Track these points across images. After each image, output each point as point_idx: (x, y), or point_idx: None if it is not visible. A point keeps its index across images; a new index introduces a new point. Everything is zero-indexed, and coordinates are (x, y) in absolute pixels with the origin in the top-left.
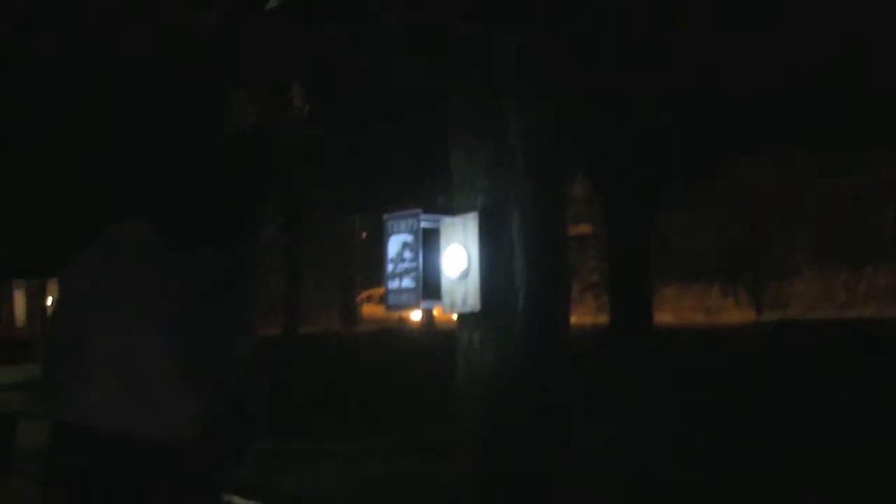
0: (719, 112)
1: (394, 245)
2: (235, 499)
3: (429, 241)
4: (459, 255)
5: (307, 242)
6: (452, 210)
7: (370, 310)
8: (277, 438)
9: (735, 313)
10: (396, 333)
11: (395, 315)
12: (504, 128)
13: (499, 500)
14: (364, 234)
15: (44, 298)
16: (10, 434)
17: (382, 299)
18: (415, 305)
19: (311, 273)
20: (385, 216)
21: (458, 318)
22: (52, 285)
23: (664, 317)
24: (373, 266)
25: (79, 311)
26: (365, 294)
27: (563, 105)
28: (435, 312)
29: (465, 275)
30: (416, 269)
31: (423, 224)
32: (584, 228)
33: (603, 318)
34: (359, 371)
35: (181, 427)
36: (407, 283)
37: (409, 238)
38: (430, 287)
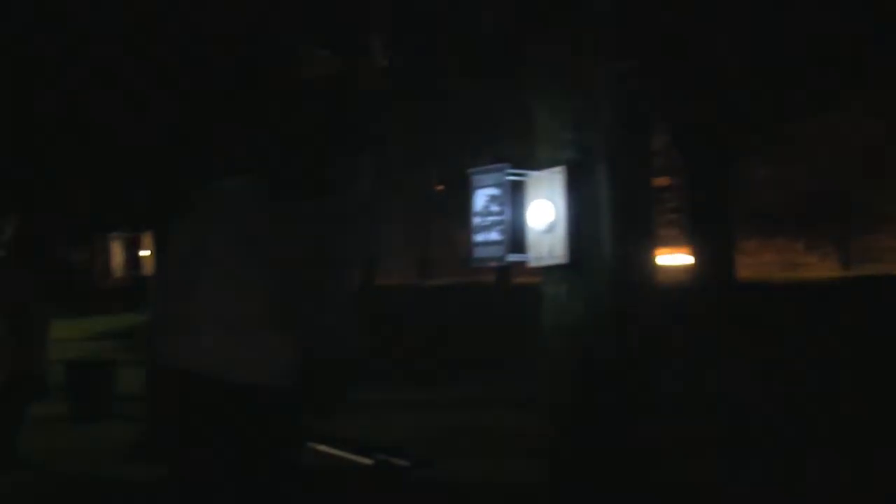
0: (803, 56)
1: (480, 199)
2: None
3: (514, 195)
4: (545, 208)
5: (383, 194)
6: (537, 163)
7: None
8: (357, 388)
9: (820, 268)
10: (473, 287)
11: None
12: (589, 82)
13: (584, 450)
14: (440, 187)
15: (138, 250)
16: (109, 380)
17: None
18: (501, 258)
19: (386, 225)
20: (471, 170)
21: (545, 270)
22: (147, 238)
23: (745, 272)
24: (449, 219)
25: (187, 266)
26: None
27: (647, 57)
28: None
29: (551, 228)
30: (502, 222)
31: (509, 178)
32: (662, 181)
33: (683, 274)
34: (435, 324)
35: (279, 372)
36: (493, 236)
37: (495, 192)
38: (515, 240)
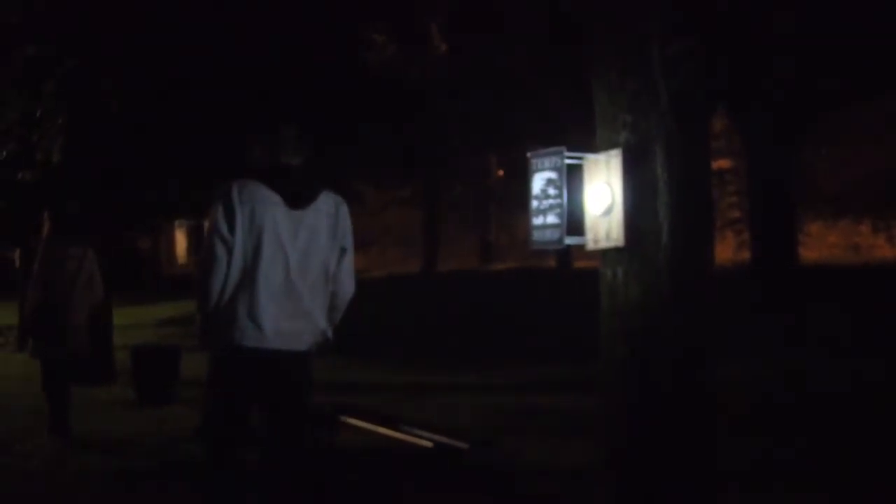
0: (868, 36)
1: (538, 182)
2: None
3: (572, 178)
4: (603, 191)
5: (444, 180)
6: (594, 146)
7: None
8: (419, 371)
9: (887, 250)
10: (533, 271)
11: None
12: (648, 63)
13: (642, 434)
14: (501, 172)
15: (202, 236)
16: (175, 365)
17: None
18: (559, 241)
19: (447, 210)
20: (529, 153)
21: (602, 253)
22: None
23: (809, 254)
24: (509, 203)
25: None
26: None
27: (707, 37)
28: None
29: (608, 210)
30: (560, 205)
31: (567, 161)
32: (722, 163)
33: (743, 255)
34: (497, 308)
35: (320, 342)
36: (551, 219)
37: (553, 175)
38: (573, 223)
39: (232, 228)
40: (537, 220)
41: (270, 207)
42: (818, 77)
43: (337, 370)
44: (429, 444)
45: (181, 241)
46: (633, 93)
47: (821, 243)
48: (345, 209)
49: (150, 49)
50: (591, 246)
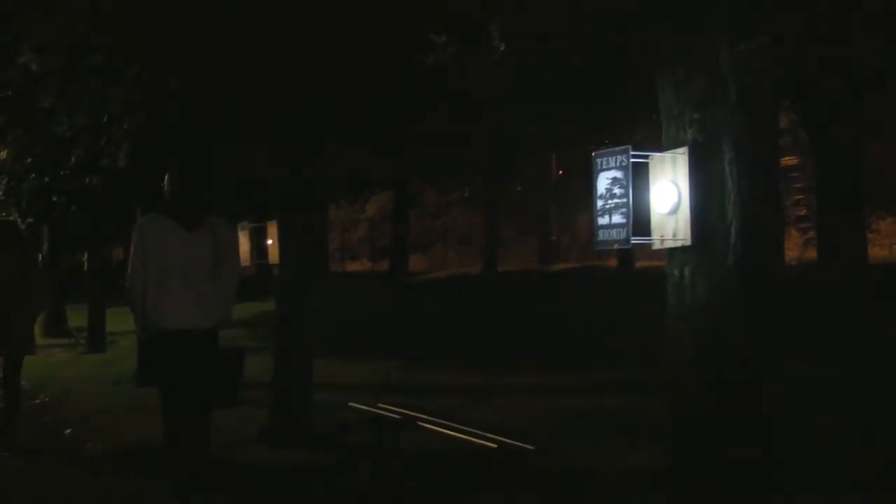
0: None
1: (603, 181)
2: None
3: (637, 177)
4: (669, 190)
5: (504, 180)
6: (661, 144)
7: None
8: (482, 373)
9: None
10: (595, 271)
11: (592, 253)
12: (715, 59)
13: (710, 434)
14: (561, 172)
15: (264, 239)
16: (240, 366)
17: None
18: (625, 241)
19: (507, 211)
20: (594, 152)
21: (668, 252)
22: (273, 227)
23: (878, 252)
24: (570, 204)
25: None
26: None
27: (775, 34)
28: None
29: (675, 209)
30: (625, 204)
31: (633, 160)
32: (789, 160)
33: (810, 254)
34: (559, 308)
35: (217, 322)
36: (617, 218)
37: (618, 174)
38: (638, 223)
39: (143, 251)
40: (602, 220)
41: (170, 232)
42: (888, 72)
43: (399, 373)
44: (493, 446)
45: (244, 243)
46: (701, 90)
47: (891, 241)
48: (223, 227)
49: (209, 56)
50: (657, 245)
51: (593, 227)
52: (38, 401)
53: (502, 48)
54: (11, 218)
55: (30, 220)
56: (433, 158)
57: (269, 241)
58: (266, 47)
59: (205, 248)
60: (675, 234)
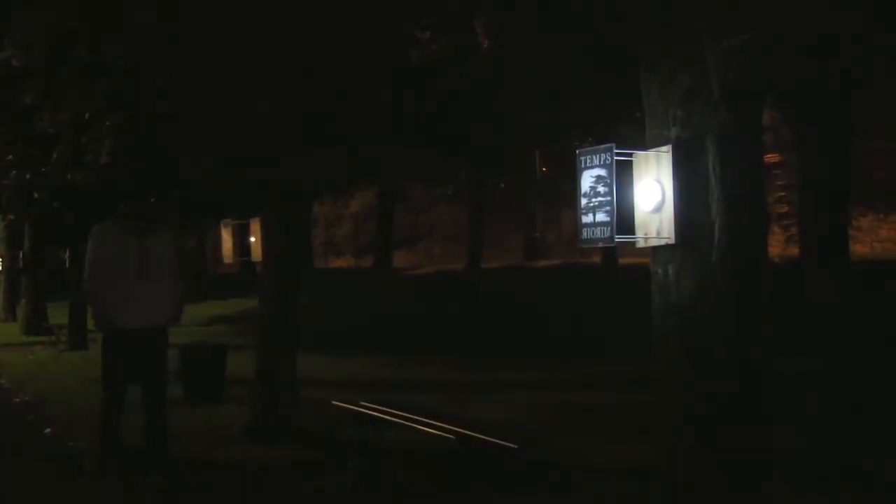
0: None
1: (587, 179)
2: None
3: (621, 175)
4: (653, 188)
5: (489, 177)
6: (645, 142)
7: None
8: (468, 369)
9: None
10: (579, 267)
11: (576, 249)
12: (699, 56)
13: (696, 430)
14: (544, 168)
15: (247, 236)
16: (221, 364)
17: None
18: (609, 239)
19: (492, 207)
20: (578, 150)
21: (653, 251)
22: (255, 224)
23: (860, 248)
24: (554, 201)
25: (121, 270)
26: None
27: (759, 31)
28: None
29: (658, 207)
30: (610, 202)
31: (616, 157)
32: (771, 157)
33: (792, 251)
34: (543, 304)
35: (170, 319)
36: (601, 217)
37: (602, 172)
38: (622, 221)
39: (98, 256)
40: (587, 218)
41: (121, 240)
42: (871, 67)
43: (386, 368)
44: (480, 441)
45: (227, 240)
46: (685, 88)
47: (873, 237)
48: (170, 236)
49: (198, 51)
50: (641, 244)
51: (577, 226)
52: (18, 399)
53: (486, 44)
54: None
55: (11, 216)
56: (418, 154)
57: (252, 239)
58: (252, 41)
59: (152, 255)
60: (659, 233)
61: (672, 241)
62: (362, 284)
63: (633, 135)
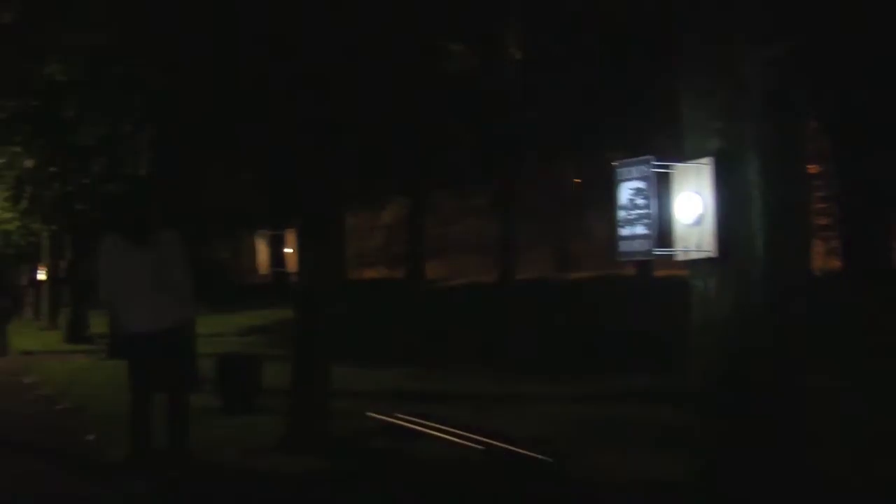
0: None
1: (625, 192)
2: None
3: (660, 188)
4: (693, 200)
5: (520, 188)
6: (683, 154)
7: None
8: (499, 381)
9: None
10: (612, 279)
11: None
12: (739, 67)
13: (734, 443)
14: (578, 181)
15: (282, 247)
16: (256, 374)
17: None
18: (648, 252)
19: (523, 218)
20: (616, 163)
21: (692, 264)
22: (290, 235)
23: None
24: (586, 212)
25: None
26: None
27: (798, 41)
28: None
29: (699, 220)
30: (648, 215)
31: (655, 170)
32: (811, 168)
33: (833, 263)
34: (577, 317)
35: (176, 323)
36: (640, 229)
37: (641, 184)
38: (661, 233)
39: (105, 266)
40: (624, 231)
41: (128, 250)
42: None
43: (417, 380)
44: (511, 455)
45: (262, 251)
46: (724, 99)
47: None
48: (170, 242)
49: (232, 64)
50: (680, 257)
51: (615, 238)
52: (60, 406)
53: (519, 56)
54: (35, 226)
55: (53, 227)
56: (450, 165)
57: (288, 250)
58: (287, 54)
59: (153, 261)
60: (699, 246)
61: (713, 254)
62: (394, 295)
63: (665, 147)
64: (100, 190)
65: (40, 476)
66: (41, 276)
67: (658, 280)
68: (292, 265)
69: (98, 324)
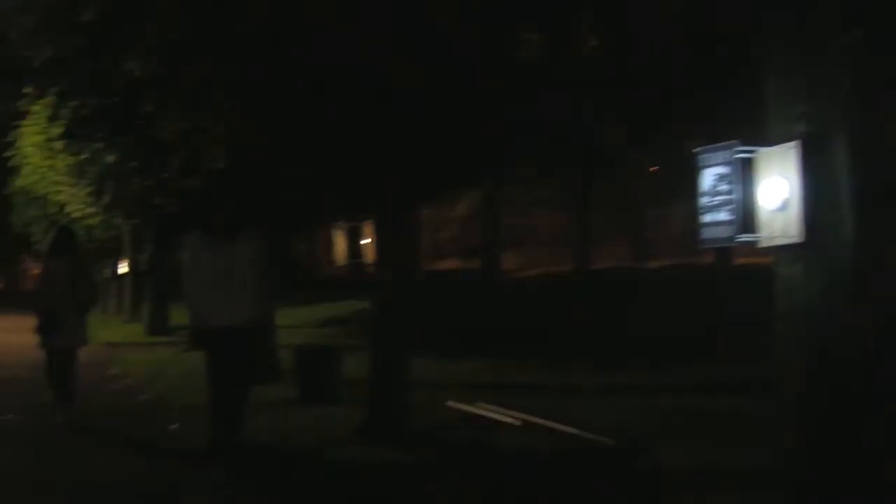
0: None
1: (708, 178)
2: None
3: (743, 173)
4: (778, 185)
5: (595, 176)
6: (767, 139)
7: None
8: (575, 372)
9: None
10: (690, 268)
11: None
12: (825, 49)
13: (821, 434)
14: (654, 168)
15: (359, 238)
16: (334, 365)
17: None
18: (731, 239)
19: (599, 207)
20: (698, 148)
21: (777, 250)
22: (368, 227)
23: None
24: (663, 200)
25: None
26: None
27: (890, 18)
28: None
29: (784, 206)
30: (732, 201)
31: (739, 155)
32: None
33: None
34: (653, 306)
35: (253, 319)
36: (723, 215)
37: (724, 170)
38: (745, 220)
39: (193, 262)
40: (707, 217)
41: (213, 247)
42: None
43: (494, 371)
44: (585, 444)
45: (340, 243)
46: (811, 80)
47: None
48: (251, 243)
49: (312, 59)
50: (765, 243)
51: (697, 225)
52: (144, 397)
53: (593, 43)
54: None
55: (134, 221)
56: (525, 156)
57: (364, 241)
58: (362, 45)
59: (236, 259)
60: (784, 232)
61: (799, 240)
62: (469, 286)
63: (742, 132)
64: (178, 185)
65: (126, 465)
66: (122, 269)
67: (737, 268)
68: (369, 256)
69: (178, 316)
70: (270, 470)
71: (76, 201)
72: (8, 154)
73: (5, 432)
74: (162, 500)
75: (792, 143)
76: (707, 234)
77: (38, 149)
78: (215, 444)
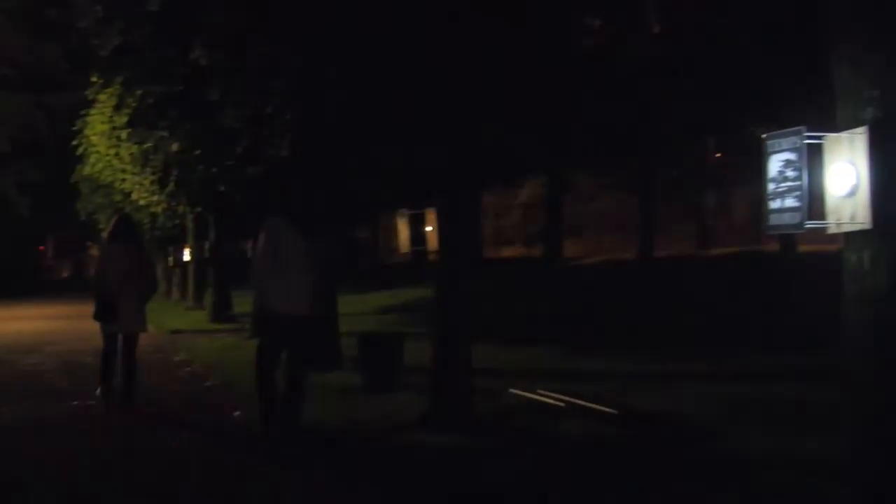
0: None
1: (775, 164)
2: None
3: (811, 159)
4: (847, 171)
5: (657, 164)
6: (835, 124)
7: None
8: (641, 360)
9: None
10: (755, 255)
11: (751, 236)
12: (895, 33)
13: (890, 422)
14: (718, 154)
15: (422, 226)
16: (398, 352)
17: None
18: (799, 225)
19: (662, 194)
20: (765, 135)
21: (845, 237)
22: (430, 214)
23: None
24: (727, 187)
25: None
26: None
27: None
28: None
29: (852, 192)
30: (799, 187)
31: (807, 141)
32: None
33: None
34: (718, 294)
35: (319, 308)
36: (790, 202)
37: (791, 156)
38: (812, 206)
39: (267, 249)
40: (774, 204)
41: (291, 236)
42: None
43: (557, 358)
44: (653, 432)
45: (403, 230)
46: (882, 64)
47: None
48: (330, 238)
49: (374, 47)
50: (833, 229)
51: (764, 212)
52: (208, 383)
53: (658, 30)
54: (181, 208)
55: (198, 209)
56: (589, 142)
57: (428, 228)
58: (428, 33)
59: (313, 253)
60: (852, 218)
61: (868, 226)
62: (532, 274)
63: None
64: (242, 173)
65: (192, 450)
66: (187, 257)
67: (803, 255)
68: (432, 244)
69: (242, 303)
70: (337, 455)
71: (141, 189)
72: (74, 143)
73: (74, 419)
74: (230, 486)
75: (860, 129)
76: (774, 220)
77: (103, 137)
78: (272, 431)
